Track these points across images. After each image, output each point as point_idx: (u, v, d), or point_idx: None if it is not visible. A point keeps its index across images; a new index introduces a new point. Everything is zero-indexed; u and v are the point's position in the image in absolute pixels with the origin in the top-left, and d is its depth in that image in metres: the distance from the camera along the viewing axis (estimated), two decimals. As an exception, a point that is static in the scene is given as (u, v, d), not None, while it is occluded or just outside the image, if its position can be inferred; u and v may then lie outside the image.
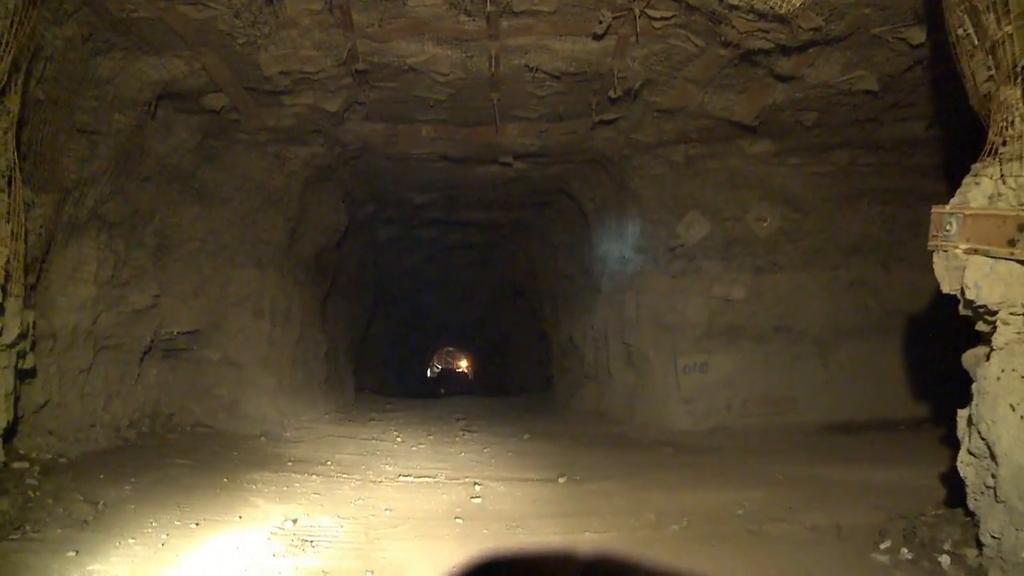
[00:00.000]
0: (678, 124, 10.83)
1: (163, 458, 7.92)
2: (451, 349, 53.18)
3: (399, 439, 11.06)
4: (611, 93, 9.80)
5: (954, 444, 5.01)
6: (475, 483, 7.46)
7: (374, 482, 7.51)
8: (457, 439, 11.42)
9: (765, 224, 11.81)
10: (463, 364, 55.74)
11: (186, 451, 8.58)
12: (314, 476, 7.64)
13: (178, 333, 10.45)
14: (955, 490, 5.14)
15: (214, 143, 10.91)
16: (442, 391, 35.71)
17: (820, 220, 11.98)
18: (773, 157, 11.54)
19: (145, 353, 9.96)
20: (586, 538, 5.49)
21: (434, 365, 53.20)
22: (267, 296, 11.75)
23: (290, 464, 8.29)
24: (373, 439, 10.91)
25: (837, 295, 12.11)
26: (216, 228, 11.10)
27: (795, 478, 7.56)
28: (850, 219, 12.08)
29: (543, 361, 22.70)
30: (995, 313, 4.53)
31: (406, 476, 7.85)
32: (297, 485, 7.11)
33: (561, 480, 7.72)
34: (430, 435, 11.67)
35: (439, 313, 32.31)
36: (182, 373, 10.94)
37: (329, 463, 8.55)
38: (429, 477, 7.86)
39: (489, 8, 7.67)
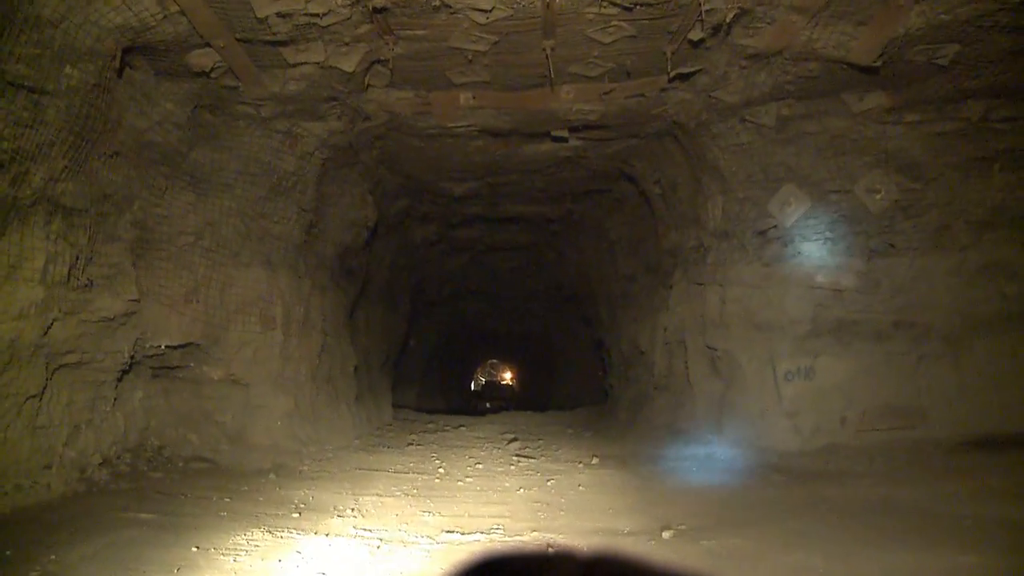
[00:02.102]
0: (773, 74, 8.77)
1: (126, 511, 5.93)
2: (495, 361, 51.49)
3: (441, 470, 9.07)
4: (692, 34, 7.84)
5: None
6: (548, 545, 5.38)
7: (406, 544, 5.42)
8: (512, 467, 9.40)
9: (878, 197, 9.67)
10: (508, 376, 54.10)
11: (165, 498, 6.62)
12: (323, 536, 5.59)
13: (167, 347, 8.52)
14: None
15: (210, 118, 9.06)
16: (487, 405, 33.78)
17: (944, 190, 9.78)
18: (887, 114, 9.38)
19: (124, 372, 8.05)
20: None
21: (478, 378, 51.54)
22: (279, 301, 9.81)
23: (296, 516, 6.26)
24: (410, 472, 8.91)
25: (968, 281, 9.91)
26: (214, 220, 9.19)
27: (992, 523, 5.44)
28: (980, 188, 9.86)
29: (597, 372, 20.71)
30: None
31: (451, 533, 5.76)
32: (296, 555, 5.04)
33: (666, 535, 5.61)
34: (478, 463, 9.66)
35: (482, 322, 30.32)
36: (176, 396, 9.03)
37: (349, 511, 6.51)
38: (483, 533, 5.77)
39: None
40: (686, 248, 11.81)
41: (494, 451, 11.07)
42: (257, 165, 9.59)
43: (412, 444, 11.77)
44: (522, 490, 7.75)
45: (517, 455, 10.50)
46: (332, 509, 6.54)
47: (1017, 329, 9.85)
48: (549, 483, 8.17)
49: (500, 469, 9.29)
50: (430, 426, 15.57)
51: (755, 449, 9.53)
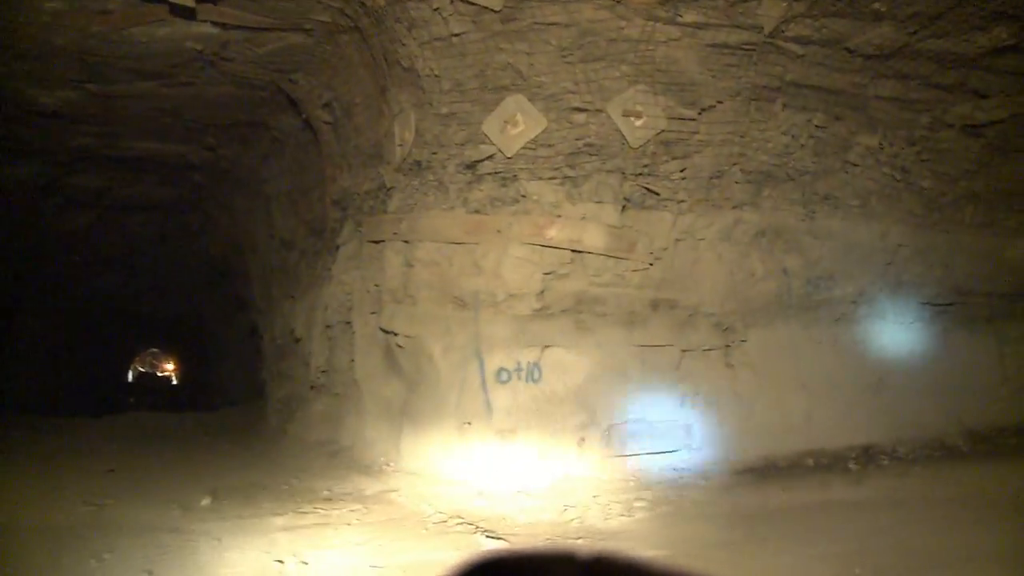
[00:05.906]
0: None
1: None
2: (156, 350, 45.86)
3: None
4: None
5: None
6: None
7: None
8: (70, 521, 5.60)
9: (638, 124, 6.78)
10: (169, 368, 48.68)
11: None
12: None
13: None
14: None
15: None
16: (131, 401, 28.80)
17: (721, 125, 7.10)
18: (660, 7, 6.48)
19: None
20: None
21: (136, 368, 45.75)
22: None
23: None
24: None
25: (744, 251, 7.36)
26: None
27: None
28: (762, 128, 7.29)
29: (254, 364, 16.94)
30: None
31: None
32: None
33: None
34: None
35: (127, 302, 25.41)
36: None
37: None
38: None
39: None
40: (360, 193, 8.44)
41: (61, 499, 7.12)
42: None
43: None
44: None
45: (89, 503, 6.59)
46: None
47: (799, 317, 7.41)
48: (99, 563, 4.51)
49: (41, 525, 5.46)
50: (13, 435, 11.21)
51: (453, 486, 6.34)
